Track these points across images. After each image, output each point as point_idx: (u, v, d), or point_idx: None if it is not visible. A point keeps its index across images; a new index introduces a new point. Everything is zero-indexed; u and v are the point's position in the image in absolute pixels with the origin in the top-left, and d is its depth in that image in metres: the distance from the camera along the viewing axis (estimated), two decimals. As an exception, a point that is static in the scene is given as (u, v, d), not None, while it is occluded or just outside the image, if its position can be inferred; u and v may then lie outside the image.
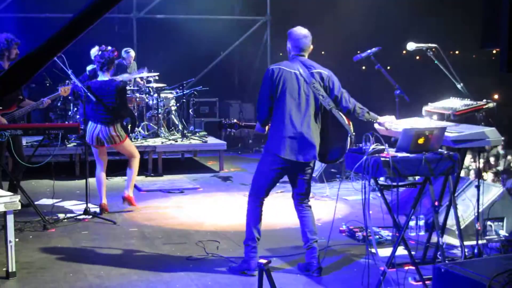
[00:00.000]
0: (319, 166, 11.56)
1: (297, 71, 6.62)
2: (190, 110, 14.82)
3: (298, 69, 6.63)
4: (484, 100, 6.61)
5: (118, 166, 11.54)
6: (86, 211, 9.09)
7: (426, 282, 5.95)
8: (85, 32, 2.34)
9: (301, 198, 6.89)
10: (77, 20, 2.30)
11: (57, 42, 2.33)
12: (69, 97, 12.85)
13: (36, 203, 9.08)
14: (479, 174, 7.15)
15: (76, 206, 9.73)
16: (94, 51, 9.18)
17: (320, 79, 6.64)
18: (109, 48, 9.20)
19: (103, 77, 9.17)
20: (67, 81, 9.86)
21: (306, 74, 6.61)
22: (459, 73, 6.95)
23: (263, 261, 5.22)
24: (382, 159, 5.58)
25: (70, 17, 2.31)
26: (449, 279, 4.52)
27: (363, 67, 21.91)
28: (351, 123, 6.72)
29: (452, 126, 6.40)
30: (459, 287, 4.44)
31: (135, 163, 9.48)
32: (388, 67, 6.86)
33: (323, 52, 17.61)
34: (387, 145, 5.79)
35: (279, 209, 9.27)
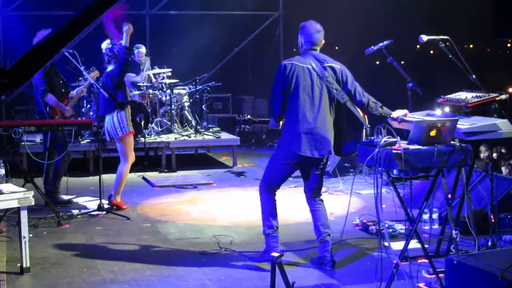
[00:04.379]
0: (332, 160, 11.54)
1: (309, 66, 6.61)
2: (203, 106, 14.83)
3: (310, 63, 6.62)
4: (497, 92, 6.58)
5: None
6: (99, 207, 9.13)
7: (440, 275, 5.92)
8: (89, 26, 2.35)
9: (313, 192, 6.89)
10: (81, 14, 2.31)
11: (62, 36, 2.34)
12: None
13: (50, 199, 9.13)
14: (492, 166, 7.11)
15: (90, 202, 9.76)
16: (105, 44, 9.19)
17: (333, 73, 6.63)
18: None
19: (110, 69, 9.20)
20: (92, 67, 9.89)
21: (319, 68, 6.60)
22: (473, 67, 6.91)
23: (276, 254, 5.23)
24: (394, 151, 5.56)
25: (74, 12, 2.31)
26: (462, 271, 4.51)
27: (377, 62, 21.81)
28: (365, 115, 6.72)
29: (464, 118, 6.37)
30: (472, 278, 4.42)
31: (126, 169, 9.38)
32: (402, 62, 6.84)
33: (336, 48, 17.57)
34: (399, 137, 5.77)
35: (292, 204, 9.27)
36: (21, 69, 2.36)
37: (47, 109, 9.30)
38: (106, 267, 6.88)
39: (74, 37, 2.37)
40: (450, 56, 6.87)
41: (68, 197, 9.83)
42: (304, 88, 6.57)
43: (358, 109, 6.67)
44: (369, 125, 6.61)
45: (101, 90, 9.10)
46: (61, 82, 9.62)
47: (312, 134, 6.57)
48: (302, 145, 6.57)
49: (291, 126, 6.64)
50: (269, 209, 6.85)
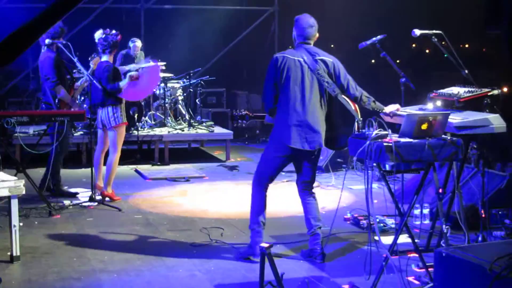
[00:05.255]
0: (325, 155, 11.56)
1: (301, 59, 6.61)
2: (197, 100, 14.80)
3: (302, 56, 6.62)
4: (489, 87, 6.58)
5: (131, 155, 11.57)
6: (91, 198, 9.13)
7: (429, 269, 5.93)
8: (77, 5, 2.34)
9: (305, 186, 6.90)
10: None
11: (50, 15, 2.34)
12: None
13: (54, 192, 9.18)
14: (483, 161, 7.13)
15: (82, 194, 9.73)
16: (98, 34, 9.20)
17: (324, 66, 6.62)
18: (113, 31, 9.24)
19: (104, 59, 9.23)
20: (93, 54, 9.86)
21: (310, 61, 6.59)
22: (468, 66, 6.90)
23: (265, 245, 5.22)
24: (385, 144, 5.56)
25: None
26: (450, 263, 4.51)
27: (372, 60, 21.77)
28: (358, 108, 6.71)
29: (456, 112, 6.38)
30: (460, 271, 4.43)
31: (116, 159, 9.39)
32: (398, 60, 6.83)
33: (332, 46, 17.54)
34: (390, 130, 5.77)
35: (284, 198, 9.28)
36: (8, 47, 2.35)
37: (56, 101, 9.29)
38: (96, 257, 6.89)
39: (60, 18, 2.36)
40: (446, 55, 6.87)
41: (74, 189, 9.86)
42: (295, 80, 6.57)
43: (350, 102, 6.67)
44: (361, 118, 6.59)
45: (95, 82, 9.09)
46: (68, 72, 9.62)
47: (302, 126, 6.57)
48: (292, 138, 6.57)
49: (282, 118, 6.64)
50: (258, 205, 6.85)
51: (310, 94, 6.58)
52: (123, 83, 9.17)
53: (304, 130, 6.58)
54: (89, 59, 9.61)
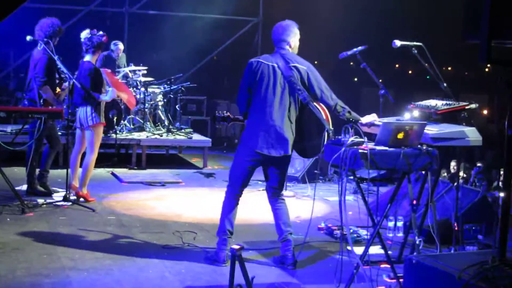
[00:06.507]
0: (302, 166, 11.58)
1: (275, 64, 6.62)
2: (177, 106, 14.76)
3: (277, 62, 6.63)
4: (467, 101, 6.61)
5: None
6: (65, 198, 9.07)
7: (400, 280, 5.94)
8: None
9: (274, 192, 6.88)
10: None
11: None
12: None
13: (17, 188, 9.05)
14: (457, 175, 7.16)
15: (56, 193, 9.66)
16: (85, 34, 9.17)
17: (298, 73, 6.61)
18: (100, 32, 9.24)
19: (87, 58, 9.22)
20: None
21: (284, 68, 6.59)
22: (450, 89, 6.90)
23: (236, 247, 5.17)
24: (360, 151, 5.58)
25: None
26: (420, 270, 4.52)
27: (355, 79, 21.90)
28: (330, 118, 6.68)
29: (433, 124, 6.39)
30: (430, 278, 4.43)
31: (92, 160, 9.34)
32: (380, 80, 6.87)
33: (316, 62, 17.58)
34: (366, 138, 5.78)
35: (259, 205, 9.24)
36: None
37: (41, 101, 9.22)
38: (67, 255, 6.84)
39: None
40: (428, 77, 6.87)
41: (55, 189, 9.80)
42: (267, 86, 6.58)
43: (322, 111, 6.63)
44: (332, 128, 6.57)
45: (75, 82, 9.06)
46: (57, 73, 9.56)
47: (270, 132, 6.56)
48: (259, 143, 6.58)
49: (252, 123, 6.67)
50: (227, 213, 6.83)
51: (281, 100, 6.57)
52: (103, 98, 9.16)
53: (272, 136, 6.57)
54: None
